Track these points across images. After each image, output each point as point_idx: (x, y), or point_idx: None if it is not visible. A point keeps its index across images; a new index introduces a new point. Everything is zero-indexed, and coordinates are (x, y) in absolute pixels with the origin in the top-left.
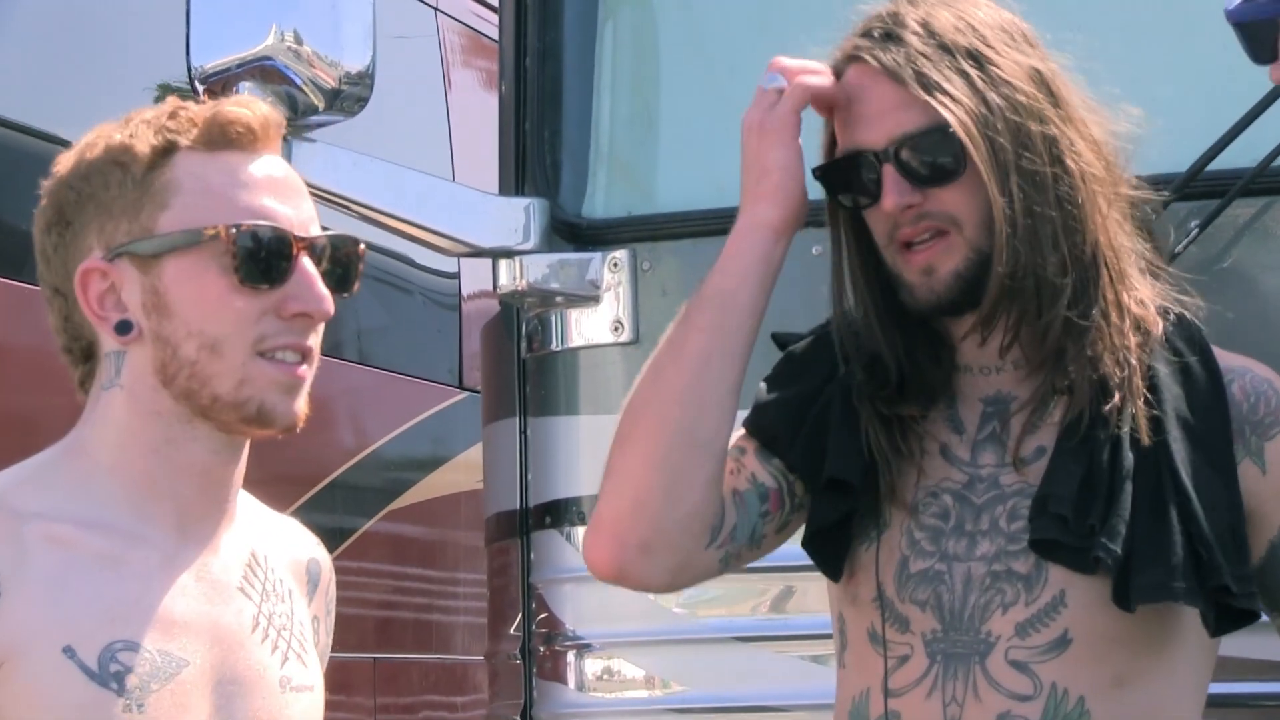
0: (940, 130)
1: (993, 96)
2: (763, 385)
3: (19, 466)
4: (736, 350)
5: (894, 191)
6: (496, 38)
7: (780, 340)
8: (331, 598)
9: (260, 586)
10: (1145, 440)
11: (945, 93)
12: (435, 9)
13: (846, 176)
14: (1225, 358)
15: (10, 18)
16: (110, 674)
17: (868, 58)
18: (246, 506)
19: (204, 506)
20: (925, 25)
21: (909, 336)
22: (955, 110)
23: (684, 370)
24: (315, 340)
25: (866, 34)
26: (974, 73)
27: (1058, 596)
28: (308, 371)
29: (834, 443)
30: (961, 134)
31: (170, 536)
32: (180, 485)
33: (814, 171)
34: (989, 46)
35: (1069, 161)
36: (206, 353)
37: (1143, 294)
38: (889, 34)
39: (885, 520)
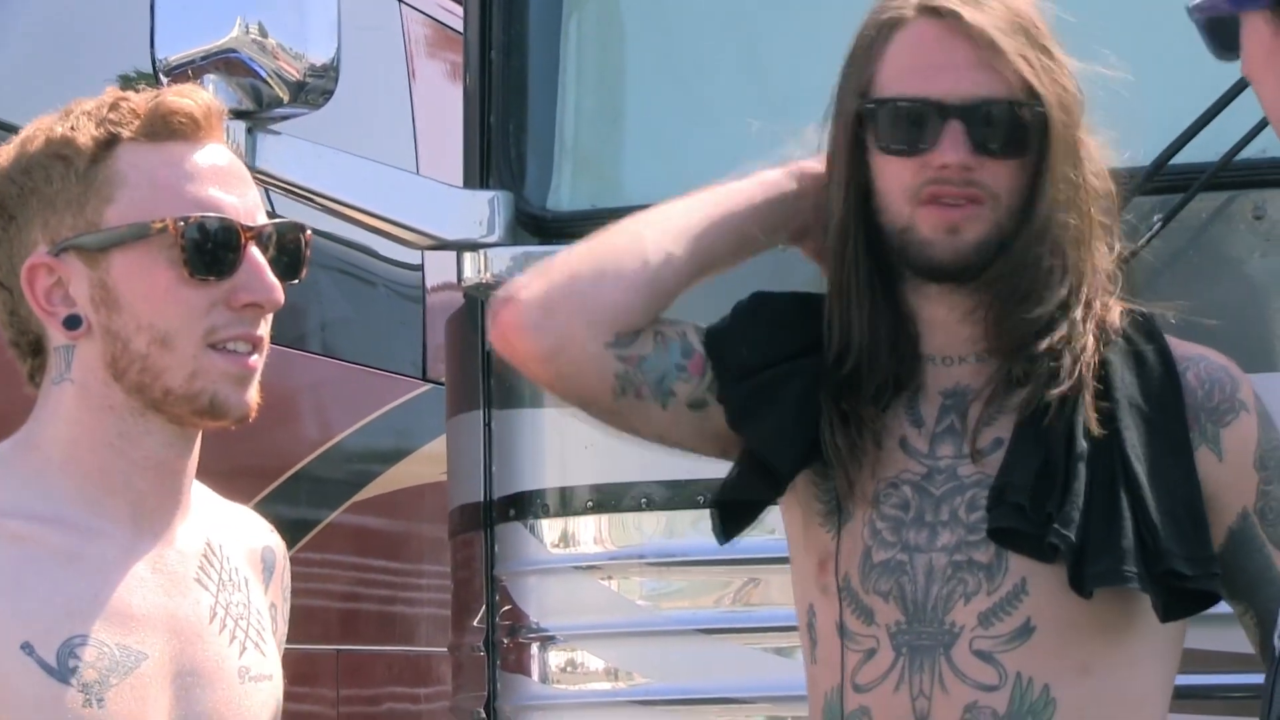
0: (1021, 106)
1: (1058, 89)
2: (731, 315)
3: None
4: (726, 225)
5: (960, 148)
6: (460, 29)
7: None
8: (287, 585)
9: (217, 577)
10: (1094, 429)
11: (1032, 69)
12: (399, 0)
13: (895, 120)
14: (1180, 346)
15: None
16: (69, 669)
17: (957, 8)
18: (200, 496)
19: (159, 499)
20: (1004, 2)
21: (877, 310)
22: (1044, 88)
23: (665, 215)
24: (265, 329)
25: None
26: (1046, 62)
27: (1019, 585)
28: (258, 361)
29: (776, 422)
30: (1055, 117)
31: (125, 530)
32: (135, 478)
33: (868, 104)
34: (1050, 43)
35: (1084, 171)
36: (157, 346)
37: (1109, 302)
38: None
39: (847, 512)
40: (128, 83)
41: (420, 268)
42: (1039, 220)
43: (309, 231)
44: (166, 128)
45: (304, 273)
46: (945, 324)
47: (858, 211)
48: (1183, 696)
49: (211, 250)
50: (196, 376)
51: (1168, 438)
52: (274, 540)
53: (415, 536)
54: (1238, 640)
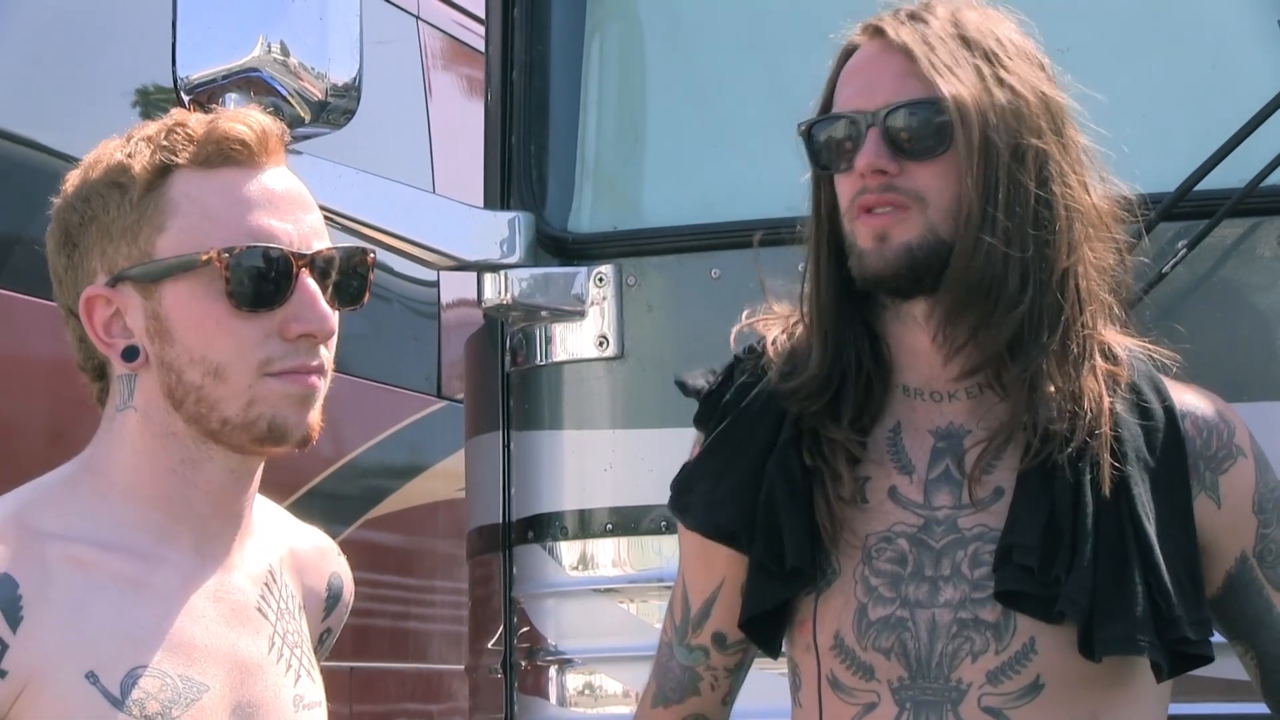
0: (934, 105)
1: (998, 96)
2: (701, 463)
3: (33, 486)
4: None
5: (870, 152)
6: (476, 46)
7: (683, 387)
8: (348, 606)
9: (275, 605)
10: (1107, 488)
11: (951, 74)
12: (416, 17)
13: (829, 138)
14: (1176, 390)
15: None
16: (133, 700)
17: (888, 29)
18: (266, 516)
19: (221, 525)
20: (952, 17)
21: (857, 335)
22: (956, 89)
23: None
24: (325, 356)
25: (894, 12)
26: (986, 70)
27: (1028, 644)
28: (320, 381)
29: (788, 530)
30: (954, 113)
31: (188, 557)
32: (197, 505)
33: (799, 127)
34: (1007, 56)
35: (1055, 187)
36: (211, 378)
37: (1110, 340)
38: (915, 15)
39: (834, 569)
40: (146, 97)
41: (435, 284)
42: (970, 224)
43: (373, 255)
44: (220, 154)
45: (367, 297)
46: (927, 354)
47: (823, 238)
48: None
49: (261, 281)
50: (254, 404)
51: (1172, 496)
52: (341, 565)
53: (429, 553)
54: (1227, 668)
